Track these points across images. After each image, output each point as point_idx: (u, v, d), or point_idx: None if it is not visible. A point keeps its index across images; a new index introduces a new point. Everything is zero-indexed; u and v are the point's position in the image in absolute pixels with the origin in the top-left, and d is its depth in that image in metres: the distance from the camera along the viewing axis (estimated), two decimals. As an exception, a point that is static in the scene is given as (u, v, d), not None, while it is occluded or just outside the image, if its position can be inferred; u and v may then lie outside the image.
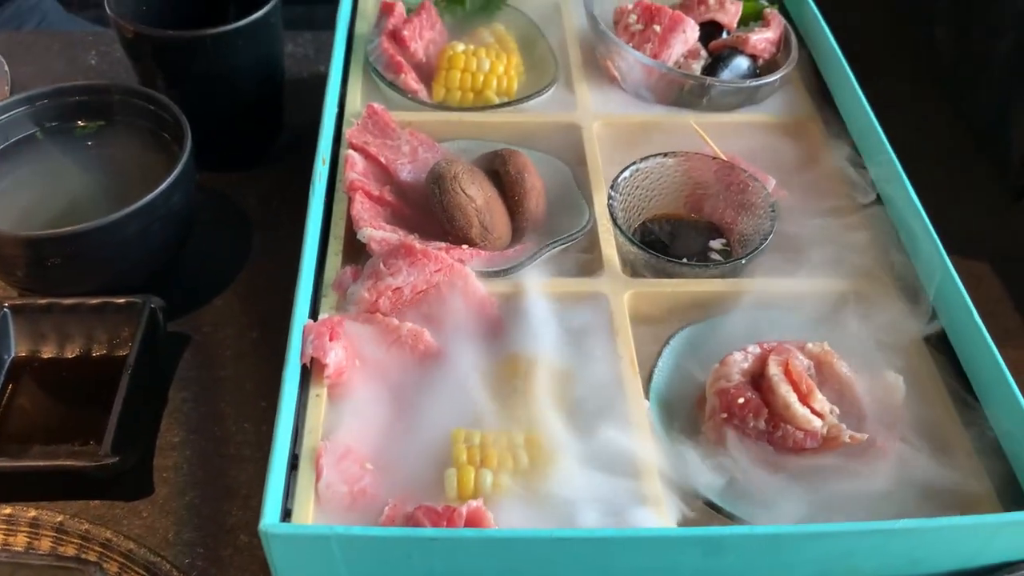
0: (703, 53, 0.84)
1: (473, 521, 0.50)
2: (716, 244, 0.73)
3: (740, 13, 0.86)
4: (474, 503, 0.51)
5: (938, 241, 0.64)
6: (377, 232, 0.67)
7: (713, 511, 0.54)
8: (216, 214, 0.82)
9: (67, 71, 0.96)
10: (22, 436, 0.65)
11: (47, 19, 1.34)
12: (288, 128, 0.92)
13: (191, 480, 0.64)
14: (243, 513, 0.63)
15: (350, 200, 0.69)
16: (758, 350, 0.61)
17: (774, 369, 0.59)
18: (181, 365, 0.71)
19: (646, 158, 0.73)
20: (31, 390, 0.68)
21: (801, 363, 0.60)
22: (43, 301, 0.68)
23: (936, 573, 0.53)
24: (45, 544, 0.57)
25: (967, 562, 0.53)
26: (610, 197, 0.70)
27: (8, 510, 0.58)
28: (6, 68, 0.90)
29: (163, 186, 0.67)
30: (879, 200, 0.72)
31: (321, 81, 0.97)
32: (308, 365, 0.58)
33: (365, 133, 0.75)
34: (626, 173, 0.72)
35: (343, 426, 0.57)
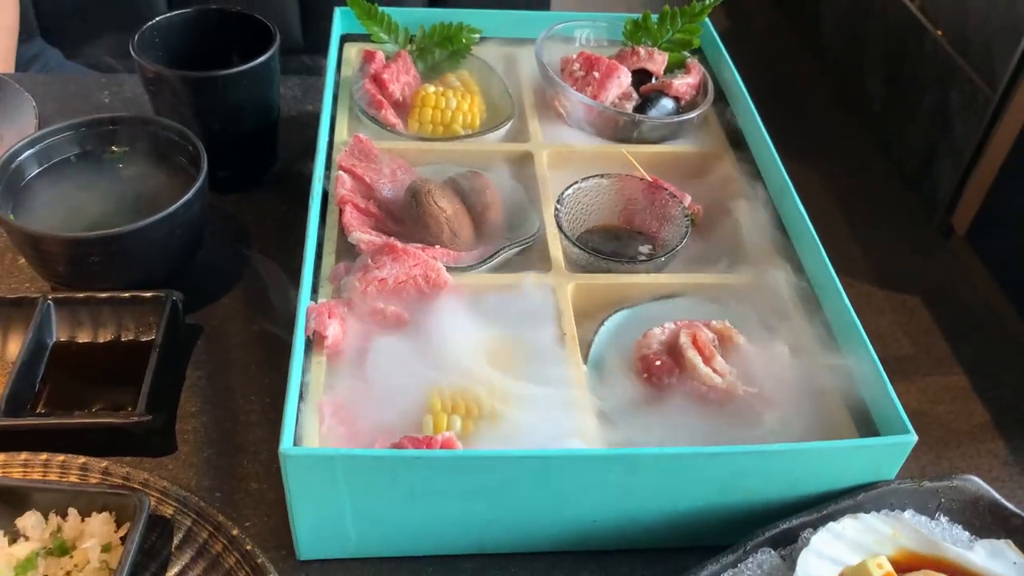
0: (635, 95, 1.00)
1: (446, 447, 0.64)
2: (644, 249, 0.88)
3: (666, 62, 1.03)
4: (447, 434, 0.64)
5: (816, 236, 0.80)
6: (365, 235, 0.81)
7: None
8: (221, 228, 0.95)
9: (84, 108, 1.09)
10: (64, 406, 0.77)
11: (48, 66, 1.48)
12: (281, 158, 1.06)
13: (207, 440, 0.77)
14: (252, 466, 0.75)
15: (341, 211, 0.83)
16: (673, 326, 0.76)
17: (684, 339, 0.74)
18: (196, 350, 0.84)
19: (587, 178, 0.88)
20: (70, 370, 0.80)
21: (706, 335, 0.75)
22: (81, 294, 0.81)
23: (813, 493, 0.68)
24: (94, 481, 0.69)
25: (835, 483, 0.67)
26: (556, 209, 0.85)
27: (61, 458, 0.70)
28: (34, 104, 1.04)
29: (185, 197, 0.80)
30: (774, 212, 0.88)
31: (308, 119, 1.12)
32: (311, 337, 0.71)
33: (352, 158, 0.89)
34: (570, 190, 0.87)
35: (340, 385, 0.70)
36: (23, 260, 0.91)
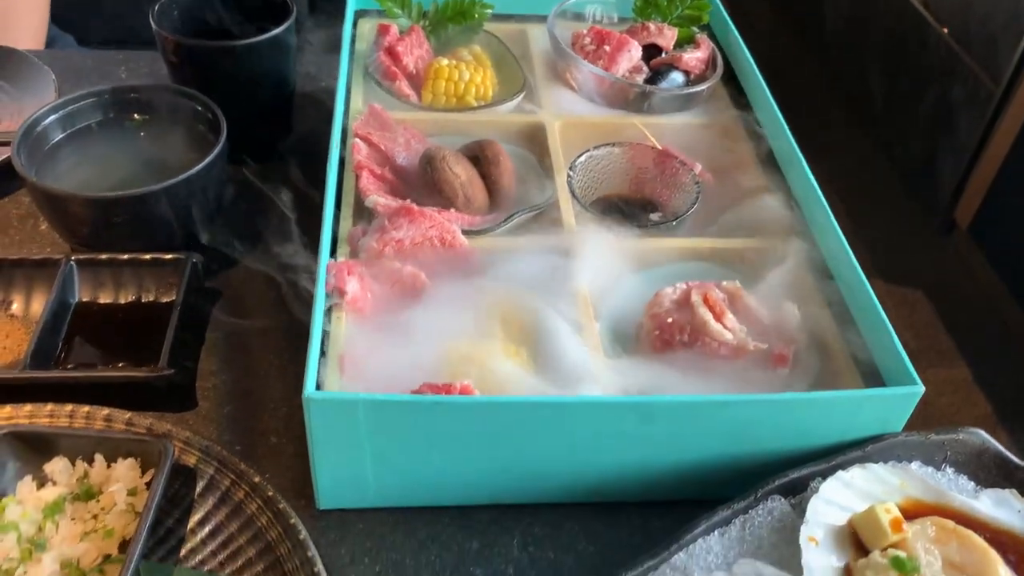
0: (645, 69, 1.02)
1: (464, 394, 0.65)
2: (654, 216, 0.89)
3: (676, 37, 1.04)
4: (465, 382, 0.66)
5: (824, 201, 0.81)
6: (381, 198, 0.82)
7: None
8: (238, 197, 0.97)
9: (102, 83, 1.11)
10: (86, 364, 0.78)
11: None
12: (295, 132, 1.08)
13: (227, 397, 0.79)
14: (272, 422, 0.77)
15: (357, 176, 0.85)
16: (684, 286, 0.77)
17: (695, 297, 0.75)
18: (215, 312, 0.86)
19: (598, 147, 0.90)
20: (92, 329, 0.81)
21: (717, 294, 0.76)
22: (103, 256, 0.82)
23: (822, 445, 0.69)
24: (119, 429, 0.70)
25: (843, 435, 0.69)
26: (569, 176, 0.87)
27: (86, 409, 0.71)
28: (53, 77, 1.05)
29: (206, 160, 0.82)
30: (782, 180, 0.89)
31: (322, 95, 1.14)
32: (331, 293, 0.73)
33: (368, 126, 0.91)
34: (582, 157, 0.89)
35: (359, 340, 0.72)
36: (44, 225, 0.92)
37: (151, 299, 0.83)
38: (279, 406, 0.78)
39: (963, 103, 2.32)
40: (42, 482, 0.66)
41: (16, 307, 0.82)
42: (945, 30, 2.41)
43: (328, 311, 0.72)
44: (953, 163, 2.36)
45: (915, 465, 0.68)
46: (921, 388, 0.67)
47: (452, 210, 0.82)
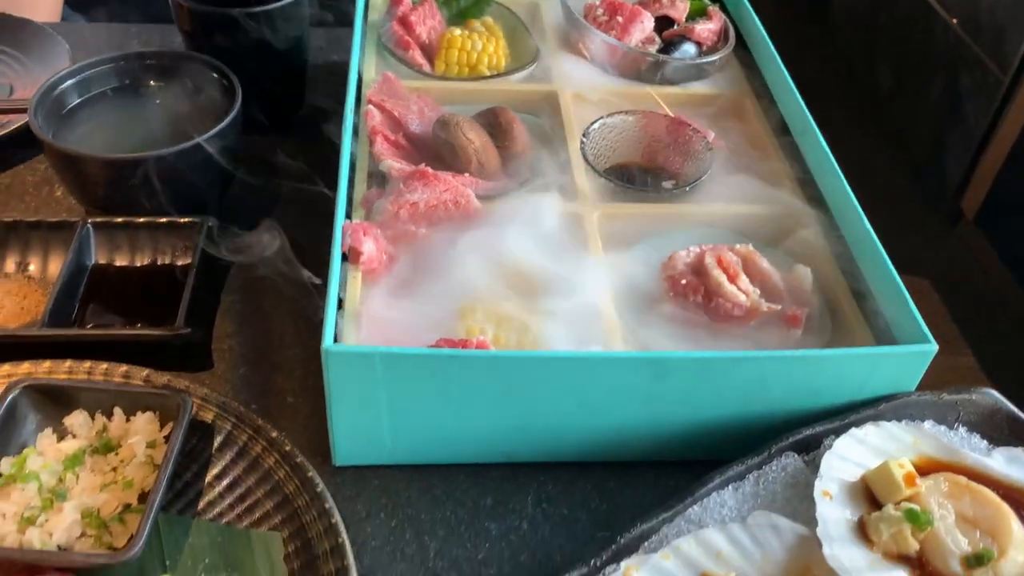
0: (657, 40, 1.02)
1: (480, 349, 0.66)
2: (667, 184, 0.90)
3: (688, 9, 1.04)
4: (481, 337, 0.66)
5: (836, 167, 0.81)
6: (396, 163, 0.83)
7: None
8: (250, 165, 0.97)
9: (116, 53, 1.11)
10: (103, 323, 0.79)
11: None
12: (308, 104, 1.08)
13: (243, 358, 0.79)
14: (288, 382, 0.77)
15: (372, 142, 0.85)
16: (698, 250, 0.78)
17: (709, 259, 0.76)
18: (230, 277, 0.86)
19: (612, 114, 0.90)
20: (108, 291, 0.82)
21: (731, 257, 0.77)
22: (119, 219, 0.83)
23: (835, 404, 0.69)
24: (137, 384, 0.71)
25: (856, 394, 0.69)
26: (582, 142, 0.87)
27: (104, 366, 0.72)
28: (68, 48, 1.06)
29: (222, 124, 0.82)
30: (794, 149, 0.89)
31: (334, 68, 1.14)
32: (347, 253, 0.73)
33: (381, 94, 0.91)
34: (596, 125, 0.89)
35: (375, 299, 0.72)
36: (59, 192, 0.93)
37: (167, 262, 0.84)
38: (294, 367, 0.79)
39: (971, 92, 2.32)
40: (62, 435, 0.67)
41: (33, 269, 0.82)
42: (954, 20, 2.41)
43: (344, 269, 0.72)
44: (960, 153, 2.36)
45: (928, 424, 0.69)
46: (934, 346, 0.67)
47: (466, 175, 0.83)
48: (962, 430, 0.69)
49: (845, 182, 0.80)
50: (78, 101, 0.88)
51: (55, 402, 0.67)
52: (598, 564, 0.59)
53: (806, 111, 0.89)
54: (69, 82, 0.87)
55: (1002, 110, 2.30)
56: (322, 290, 0.69)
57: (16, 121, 0.95)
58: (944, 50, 2.51)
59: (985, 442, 0.69)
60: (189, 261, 0.82)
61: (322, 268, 0.71)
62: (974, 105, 2.39)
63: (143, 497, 0.64)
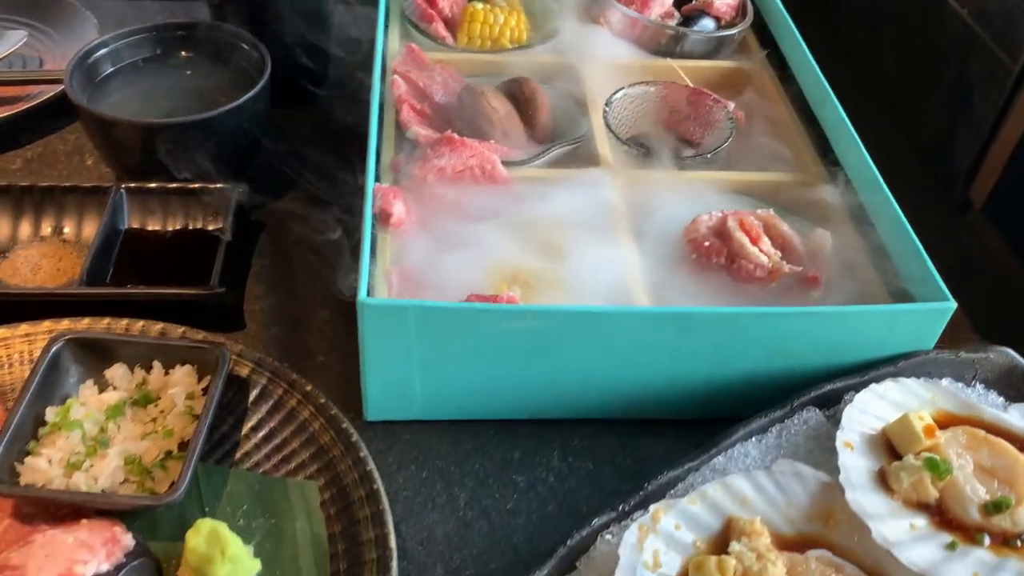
0: (676, 15, 1.04)
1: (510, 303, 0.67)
2: (688, 154, 0.91)
3: (706, -15, 1.06)
4: (510, 293, 0.68)
5: (855, 135, 0.83)
6: (422, 130, 0.85)
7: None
8: (277, 136, 0.99)
9: (142, 29, 1.13)
10: (138, 283, 0.81)
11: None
12: (331, 78, 1.09)
13: (274, 319, 0.81)
14: (318, 342, 0.79)
15: (398, 111, 0.87)
16: (720, 213, 0.79)
17: (731, 223, 0.77)
18: (260, 243, 0.88)
19: (633, 84, 0.92)
20: (141, 254, 0.84)
21: (752, 220, 0.78)
22: (152, 184, 0.85)
23: (855, 362, 0.71)
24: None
25: (876, 351, 0.71)
26: (605, 111, 0.89)
27: (140, 323, 0.74)
28: (95, 22, 1.08)
29: (252, 92, 0.84)
30: (812, 117, 0.91)
31: (354, 45, 1.16)
32: (377, 215, 0.75)
33: (406, 64, 0.93)
34: (618, 94, 0.91)
35: (405, 258, 0.74)
36: (91, 160, 0.95)
37: (198, 227, 0.86)
38: (325, 328, 0.81)
39: (980, 80, 2.32)
40: (103, 387, 0.69)
41: (68, 232, 0.84)
42: (964, 9, 2.41)
43: (375, 230, 0.74)
44: (969, 142, 2.36)
45: (946, 381, 0.70)
46: (953, 304, 0.69)
47: (492, 141, 0.84)
48: (979, 387, 0.71)
49: (863, 148, 0.82)
50: (110, 70, 0.90)
51: (96, 355, 0.69)
52: (626, 509, 0.61)
53: (824, 81, 0.90)
54: (102, 51, 0.89)
55: (1011, 99, 2.31)
56: (352, 253, 0.71)
57: (47, 92, 0.97)
58: (953, 37, 2.51)
59: (1002, 399, 0.71)
60: (220, 226, 0.84)
61: (351, 234, 0.73)
62: (983, 93, 2.39)
63: (183, 446, 0.66)
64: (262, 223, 0.90)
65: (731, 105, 0.92)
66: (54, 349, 0.67)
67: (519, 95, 0.90)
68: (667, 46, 1.00)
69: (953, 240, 1.30)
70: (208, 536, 0.58)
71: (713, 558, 0.55)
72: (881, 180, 0.78)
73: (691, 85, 0.93)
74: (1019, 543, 0.59)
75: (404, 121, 0.85)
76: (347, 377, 0.75)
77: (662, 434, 0.74)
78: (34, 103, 0.96)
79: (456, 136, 0.82)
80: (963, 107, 2.66)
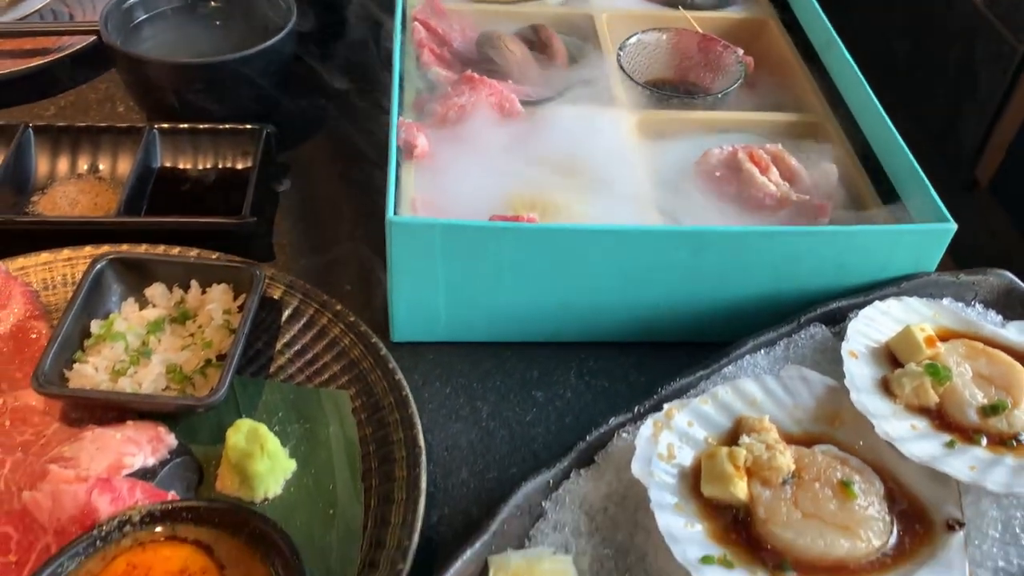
0: (688, -32, 1.07)
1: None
2: (699, 96, 0.95)
3: (716, -61, 1.09)
4: (531, 215, 0.71)
5: (860, 75, 0.86)
6: (442, 70, 0.88)
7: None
8: (301, 81, 1.02)
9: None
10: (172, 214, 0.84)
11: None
12: (347, 37, 1.12)
13: (302, 251, 0.84)
14: (345, 273, 0.82)
15: (419, 54, 0.90)
16: (730, 147, 0.83)
17: (741, 155, 0.80)
18: (287, 180, 0.92)
19: (646, 31, 0.95)
20: (174, 191, 0.87)
21: (761, 153, 0.81)
22: (184, 125, 0.88)
23: (859, 283, 0.74)
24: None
25: (879, 272, 0.74)
26: (618, 55, 0.92)
27: (176, 250, 0.77)
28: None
29: (281, 35, 0.88)
30: (818, 64, 0.94)
31: (369, 7, 1.19)
32: (402, 147, 0.79)
33: (426, 13, 0.96)
34: (632, 39, 0.94)
35: (429, 187, 0.78)
36: (121, 108, 0.99)
37: (227, 166, 0.89)
38: (351, 260, 0.84)
39: (986, 61, 2.34)
40: (143, 305, 0.72)
41: (103, 169, 0.88)
42: (974, -3, 2.43)
43: (399, 162, 0.77)
44: (975, 121, 2.38)
45: (947, 300, 0.74)
46: (953, 225, 0.72)
47: (509, 81, 0.88)
48: (979, 307, 0.74)
49: (867, 86, 0.85)
50: (143, 17, 0.93)
51: (136, 275, 0.73)
52: (641, 411, 0.64)
53: (829, 26, 0.93)
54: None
55: (1016, 79, 2.33)
56: (377, 188, 0.74)
57: (79, 43, 1.01)
58: (960, 20, 2.53)
59: (1000, 317, 0.74)
60: (249, 165, 0.87)
61: (375, 172, 0.76)
62: (989, 72, 2.41)
63: (220, 357, 0.69)
64: (288, 164, 0.94)
65: (740, 51, 0.95)
66: (97, 267, 0.70)
67: (536, 40, 0.93)
68: (678, -3, 1.03)
69: (959, 218, 1.32)
70: (248, 433, 0.62)
71: (724, 448, 0.59)
72: (884, 114, 0.81)
73: (701, 32, 0.96)
74: (1014, 443, 0.62)
75: (425, 63, 0.89)
76: (373, 305, 0.78)
77: (675, 358, 0.76)
78: (67, 52, 1.00)
79: (476, 75, 0.85)
80: (969, 88, 2.67)
